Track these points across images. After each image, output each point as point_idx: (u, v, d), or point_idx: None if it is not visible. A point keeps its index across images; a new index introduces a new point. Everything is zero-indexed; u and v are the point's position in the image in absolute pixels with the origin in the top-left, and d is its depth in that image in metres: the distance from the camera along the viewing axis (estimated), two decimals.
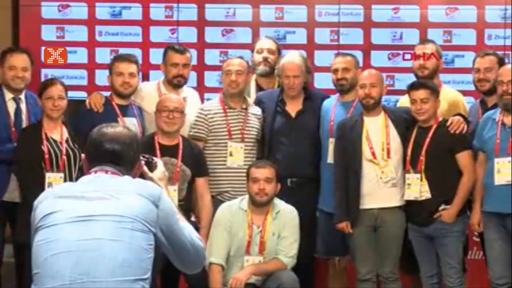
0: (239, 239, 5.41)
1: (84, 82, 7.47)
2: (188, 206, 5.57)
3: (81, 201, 3.06)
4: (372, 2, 7.44)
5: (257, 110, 5.92)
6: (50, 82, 5.68)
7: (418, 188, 5.42)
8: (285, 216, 5.46)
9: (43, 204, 3.10)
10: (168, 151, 5.51)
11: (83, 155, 3.25)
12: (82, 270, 2.93)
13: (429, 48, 5.97)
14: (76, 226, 3.00)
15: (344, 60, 5.90)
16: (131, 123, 5.66)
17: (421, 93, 5.45)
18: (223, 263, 5.38)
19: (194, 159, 5.59)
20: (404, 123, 5.61)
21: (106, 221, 3.00)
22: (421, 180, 5.43)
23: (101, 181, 3.12)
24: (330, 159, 5.75)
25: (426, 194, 5.42)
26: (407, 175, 5.48)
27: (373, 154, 5.54)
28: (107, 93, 5.94)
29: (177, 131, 5.59)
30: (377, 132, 5.59)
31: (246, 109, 5.87)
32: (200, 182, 5.64)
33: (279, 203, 5.51)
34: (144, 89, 6.02)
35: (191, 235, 3.18)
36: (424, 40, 6.37)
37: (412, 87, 5.53)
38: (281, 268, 5.39)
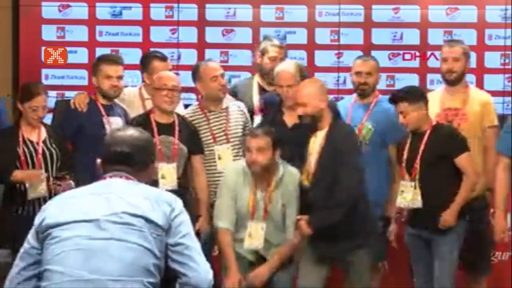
0: (243, 203, 5.31)
1: (84, 82, 7.46)
2: (186, 182, 5.53)
3: (93, 202, 3.15)
4: (373, 2, 7.44)
5: (238, 105, 5.84)
6: (36, 91, 5.57)
7: (410, 196, 5.31)
8: (289, 181, 5.33)
9: (51, 204, 3.21)
10: (165, 129, 5.48)
11: (98, 160, 3.32)
12: (90, 267, 3.00)
13: (456, 51, 5.77)
14: (86, 226, 3.08)
15: (368, 64, 5.86)
16: (116, 123, 5.66)
17: (400, 107, 5.30)
18: (231, 227, 5.31)
19: (190, 137, 5.55)
20: None
21: (115, 222, 3.08)
22: (415, 188, 5.31)
23: (114, 184, 3.21)
24: None
25: (417, 202, 5.30)
26: (402, 182, 5.36)
27: None
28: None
29: (174, 109, 5.56)
30: None
31: (226, 108, 5.79)
32: (196, 159, 5.58)
33: (282, 168, 5.36)
34: (124, 95, 6.00)
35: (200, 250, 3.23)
36: (451, 41, 6.15)
37: (390, 101, 5.40)
38: (292, 249, 5.33)
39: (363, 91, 5.82)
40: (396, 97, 5.36)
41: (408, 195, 5.31)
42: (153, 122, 5.49)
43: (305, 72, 5.80)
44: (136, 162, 3.26)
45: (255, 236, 5.35)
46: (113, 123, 5.64)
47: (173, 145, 5.48)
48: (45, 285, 3.07)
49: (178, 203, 3.22)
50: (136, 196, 3.17)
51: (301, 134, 5.53)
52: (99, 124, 5.64)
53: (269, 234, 5.35)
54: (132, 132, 3.32)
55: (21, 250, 3.22)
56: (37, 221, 3.19)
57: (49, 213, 3.17)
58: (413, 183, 5.31)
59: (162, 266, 3.15)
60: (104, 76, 5.70)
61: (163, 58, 6.13)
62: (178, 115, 5.61)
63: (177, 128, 5.51)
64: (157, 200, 3.18)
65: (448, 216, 5.28)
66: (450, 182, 5.29)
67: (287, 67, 5.70)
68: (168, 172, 5.41)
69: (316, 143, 5.23)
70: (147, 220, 3.10)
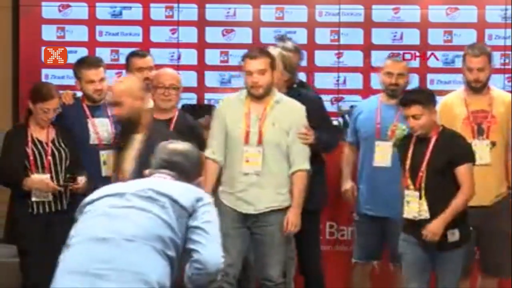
0: (238, 130, 5.20)
1: None
2: None
3: (124, 184, 3.47)
4: (373, 2, 7.44)
5: None
6: (50, 94, 5.56)
7: (417, 207, 5.02)
8: (287, 108, 5.26)
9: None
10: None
11: (147, 171, 3.54)
12: (110, 229, 3.20)
13: (481, 62, 5.60)
14: (112, 198, 3.33)
15: (399, 65, 5.82)
16: (101, 124, 5.64)
17: (412, 110, 5.02)
18: (217, 158, 5.22)
19: (188, 132, 5.36)
20: None
21: (140, 196, 3.29)
22: (420, 198, 5.01)
23: (153, 179, 3.44)
24: (376, 162, 5.66)
25: (424, 213, 5.01)
26: (406, 191, 5.09)
27: None
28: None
29: (173, 107, 5.52)
30: None
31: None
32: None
33: (282, 96, 5.31)
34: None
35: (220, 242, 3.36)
36: (474, 49, 5.76)
37: (402, 104, 5.15)
38: (306, 178, 5.24)
39: (394, 92, 5.77)
40: (409, 99, 5.10)
41: (415, 206, 5.04)
42: None
43: (289, 62, 5.59)
44: (180, 171, 3.46)
45: (252, 160, 5.21)
46: (98, 125, 5.65)
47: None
48: (66, 251, 3.25)
49: (208, 197, 3.39)
50: (169, 183, 3.38)
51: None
52: (83, 125, 5.66)
53: (267, 159, 5.19)
54: (180, 145, 3.59)
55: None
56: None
57: (84, 200, 3.42)
58: (417, 193, 5.04)
59: (180, 245, 3.26)
60: (87, 81, 5.68)
61: (142, 55, 6.10)
62: (180, 111, 5.59)
63: (173, 124, 5.50)
64: (188, 188, 3.37)
65: (433, 228, 4.97)
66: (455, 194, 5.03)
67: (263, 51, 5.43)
68: None
69: (134, 148, 4.77)
70: (172, 200, 3.27)
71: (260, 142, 5.21)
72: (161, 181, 3.40)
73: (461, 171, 5.03)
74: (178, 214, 3.25)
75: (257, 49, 5.40)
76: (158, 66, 6.36)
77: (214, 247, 3.28)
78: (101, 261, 3.13)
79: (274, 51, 5.57)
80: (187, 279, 3.30)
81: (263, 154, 5.20)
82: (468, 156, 5.10)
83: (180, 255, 3.26)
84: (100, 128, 5.65)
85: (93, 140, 5.66)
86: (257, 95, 5.23)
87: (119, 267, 3.12)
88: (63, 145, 5.51)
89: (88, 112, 5.71)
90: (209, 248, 3.26)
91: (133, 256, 3.15)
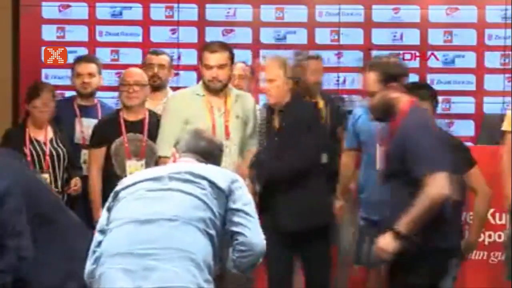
0: (203, 125, 4.95)
1: None
2: None
3: (159, 168, 3.58)
4: (373, 2, 7.44)
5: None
6: (36, 92, 5.47)
7: None
8: (246, 101, 5.28)
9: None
10: (134, 127, 5.43)
11: (174, 150, 3.69)
12: (147, 211, 3.22)
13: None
14: (148, 182, 3.34)
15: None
16: (88, 125, 5.65)
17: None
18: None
19: None
20: None
21: (177, 178, 3.30)
22: None
23: (183, 163, 3.48)
24: (379, 165, 5.57)
25: None
26: None
27: None
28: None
29: (140, 105, 5.48)
30: None
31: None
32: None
33: (236, 90, 5.34)
34: None
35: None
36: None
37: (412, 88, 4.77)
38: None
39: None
40: (418, 84, 5.01)
41: None
42: (122, 120, 5.47)
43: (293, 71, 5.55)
44: (207, 155, 3.51)
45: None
46: (85, 125, 5.68)
47: (142, 142, 5.44)
48: (104, 236, 3.29)
49: (241, 180, 3.40)
50: (203, 166, 3.41)
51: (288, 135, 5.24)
52: (70, 124, 5.69)
53: (232, 153, 5.09)
54: (204, 131, 3.71)
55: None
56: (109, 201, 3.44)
57: (116, 188, 3.43)
58: None
59: (218, 225, 3.26)
60: (76, 75, 5.79)
61: (156, 53, 6.14)
62: (151, 112, 5.56)
63: (146, 125, 5.47)
64: (222, 171, 3.40)
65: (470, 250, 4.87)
66: None
67: (273, 58, 5.35)
68: (136, 169, 5.31)
69: None
70: (210, 182, 3.28)
71: (227, 135, 5.17)
72: (195, 164, 3.42)
73: (471, 177, 4.79)
74: (216, 195, 3.27)
75: (217, 43, 5.37)
76: None
77: (257, 229, 3.30)
78: (145, 242, 3.16)
79: (279, 56, 5.54)
80: (232, 263, 3.30)
81: (229, 148, 5.09)
82: (471, 159, 4.81)
83: (219, 235, 3.26)
84: (86, 128, 5.67)
85: (77, 139, 5.70)
86: (216, 89, 5.19)
87: (165, 245, 3.15)
88: (61, 145, 5.51)
89: (78, 112, 5.74)
90: (253, 230, 3.28)
91: (178, 235, 3.17)
